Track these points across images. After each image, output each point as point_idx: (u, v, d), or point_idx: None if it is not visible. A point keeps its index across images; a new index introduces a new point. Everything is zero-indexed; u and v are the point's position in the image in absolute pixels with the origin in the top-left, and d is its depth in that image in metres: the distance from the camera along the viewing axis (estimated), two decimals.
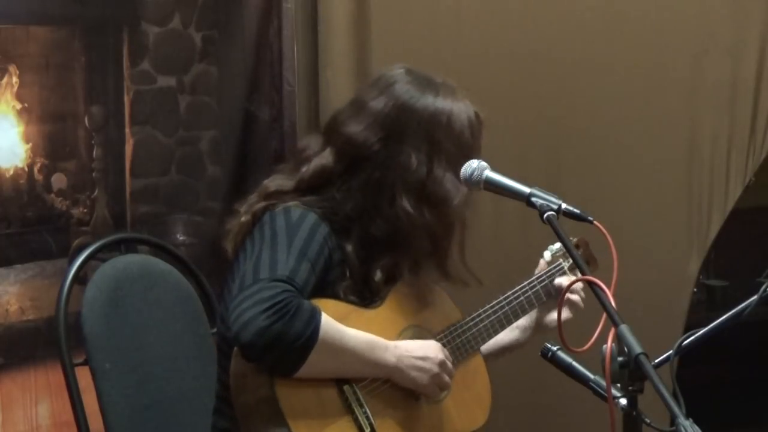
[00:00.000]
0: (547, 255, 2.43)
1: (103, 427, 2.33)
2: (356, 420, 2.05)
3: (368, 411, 2.06)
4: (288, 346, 1.94)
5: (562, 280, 2.39)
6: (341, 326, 2.03)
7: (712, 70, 3.49)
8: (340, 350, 2.02)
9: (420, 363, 2.12)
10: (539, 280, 2.40)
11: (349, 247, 2.15)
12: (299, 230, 2.08)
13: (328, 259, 2.11)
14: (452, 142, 2.19)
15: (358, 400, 2.06)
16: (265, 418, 2.00)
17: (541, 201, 1.98)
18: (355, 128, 2.19)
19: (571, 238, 2.41)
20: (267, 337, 1.92)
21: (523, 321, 2.41)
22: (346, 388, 2.06)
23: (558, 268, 2.42)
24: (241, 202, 2.22)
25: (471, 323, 2.29)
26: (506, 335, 2.41)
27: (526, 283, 2.38)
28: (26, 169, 3.05)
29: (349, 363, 2.05)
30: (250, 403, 2.02)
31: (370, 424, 2.05)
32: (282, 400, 1.98)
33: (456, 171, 2.11)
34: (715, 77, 3.49)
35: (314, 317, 1.97)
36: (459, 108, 2.23)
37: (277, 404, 1.98)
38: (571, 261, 2.42)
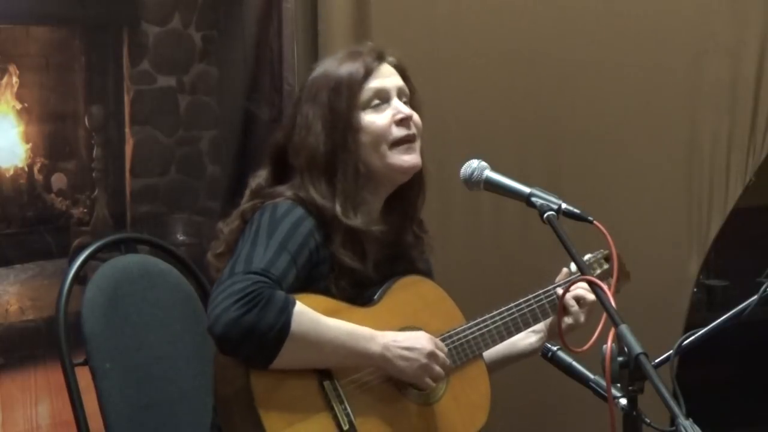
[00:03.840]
0: (573, 266, 2.39)
1: (103, 427, 2.33)
2: (335, 417, 2.04)
3: (348, 408, 2.05)
4: (260, 336, 1.94)
5: (579, 286, 2.35)
6: (319, 316, 2.02)
7: (712, 70, 3.49)
8: (317, 341, 2.01)
9: (407, 353, 2.10)
10: (555, 288, 2.36)
11: (337, 241, 2.15)
12: (281, 224, 2.08)
13: (314, 252, 2.10)
14: (316, 101, 2.20)
15: (338, 396, 2.05)
16: (239, 409, 2.00)
17: (541, 201, 1.99)
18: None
19: (602, 251, 2.41)
20: (238, 328, 1.92)
21: (539, 326, 2.36)
22: (326, 383, 2.05)
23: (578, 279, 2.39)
24: (218, 227, 2.23)
25: (474, 328, 2.26)
26: (522, 341, 2.38)
27: (541, 291, 2.33)
28: (26, 169, 3.05)
29: (330, 353, 2.03)
30: (227, 394, 2.03)
31: (350, 422, 2.04)
32: (256, 391, 1.98)
33: (325, 126, 2.16)
34: (715, 77, 3.49)
35: (287, 307, 1.96)
36: (330, 70, 2.22)
37: (251, 395, 1.97)
38: (598, 272, 2.41)
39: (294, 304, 1.98)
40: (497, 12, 3.40)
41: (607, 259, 2.45)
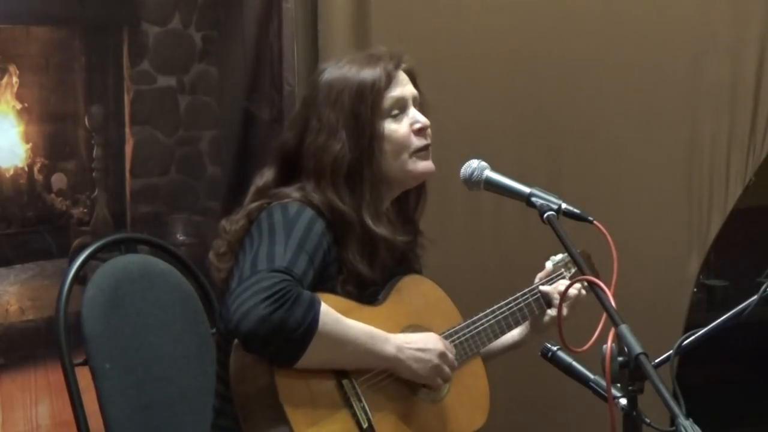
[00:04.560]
0: (548, 265, 2.43)
1: (103, 427, 2.33)
2: (354, 414, 2.05)
3: (366, 405, 2.06)
4: (288, 334, 1.94)
5: (561, 284, 2.40)
6: (341, 316, 2.04)
7: (712, 70, 3.48)
8: (340, 340, 2.03)
9: (420, 354, 2.12)
10: (543, 286, 2.40)
11: (353, 248, 2.15)
12: (297, 224, 2.09)
13: (327, 253, 2.11)
14: (337, 106, 2.19)
15: (356, 394, 2.06)
16: (264, 407, 2.01)
17: (541, 201, 1.99)
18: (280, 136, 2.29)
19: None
20: (268, 325, 1.92)
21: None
22: (344, 382, 2.06)
23: (560, 276, 2.42)
24: (222, 224, 2.22)
25: (471, 326, 2.29)
26: (507, 336, 2.41)
27: (527, 290, 2.38)
28: (26, 169, 3.05)
29: (349, 353, 2.05)
30: (249, 392, 2.03)
31: (368, 419, 2.06)
32: (281, 390, 1.98)
33: (348, 132, 2.16)
34: (715, 77, 3.48)
35: (313, 306, 1.97)
36: (350, 75, 2.21)
37: (275, 393, 1.98)
38: (572, 271, 2.43)
39: (320, 303, 1.99)
40: (497, 12, 3.40)
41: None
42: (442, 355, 2.15)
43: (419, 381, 2.15)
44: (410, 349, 2.12)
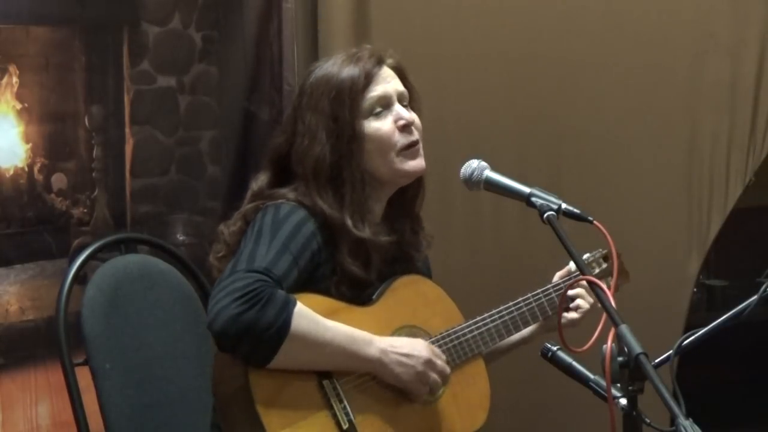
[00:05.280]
0: (572, 264, 2.41)
1: (103, 427, 2.33)
2: (334, 416, 2.04)
3: (348, 406, 2.05)
4: (260, 334, 1.94)
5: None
6: (319, 317, 2.03)
7: (712, 70, 3.48)
8: (317, 341, 2.02)
9: (404, 359, 2.10)
10: (555, 288, 2.37)
11: (344, 251, 2.15)
12: (284, 224, 2.09)
13: (317, 254, 2.11)
14: (318, 110, 2.18)
15: (338, 395, 2.05)
16: (240, 408, 2.01)
17: (541, 201, 1.98)
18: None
19: (601, 250, 2.42)
20: (238, 325, 1.92)
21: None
22: (325, 382, 2.05)
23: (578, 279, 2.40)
24: (219, 229, 2.23)
25: (473, 327, 2.27)
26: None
27: (540, 290, 2.35)
28: (26, 169, 3.05)
29: (328, 355, 2.04)
30: (227, 393, 2.04)
31: (349, 420, 2.04)
32: (255, 390, 1.98)
33: (328, 130, 2.15)
34: (715, 77, 3.48)
35: (287, 306, 1.97)
36: (330, 77, 2.20)
37: (250, 394, 1.98)
38: (596, 271, 2.42)
39: (294, 304, 1.98)
40: (497, 12, 3.40)
41: (606, 258, 2.46)
42: (427, 363, 2.13)
43: (403, 386, 2.13)
44: (395, 353, 2.10)
